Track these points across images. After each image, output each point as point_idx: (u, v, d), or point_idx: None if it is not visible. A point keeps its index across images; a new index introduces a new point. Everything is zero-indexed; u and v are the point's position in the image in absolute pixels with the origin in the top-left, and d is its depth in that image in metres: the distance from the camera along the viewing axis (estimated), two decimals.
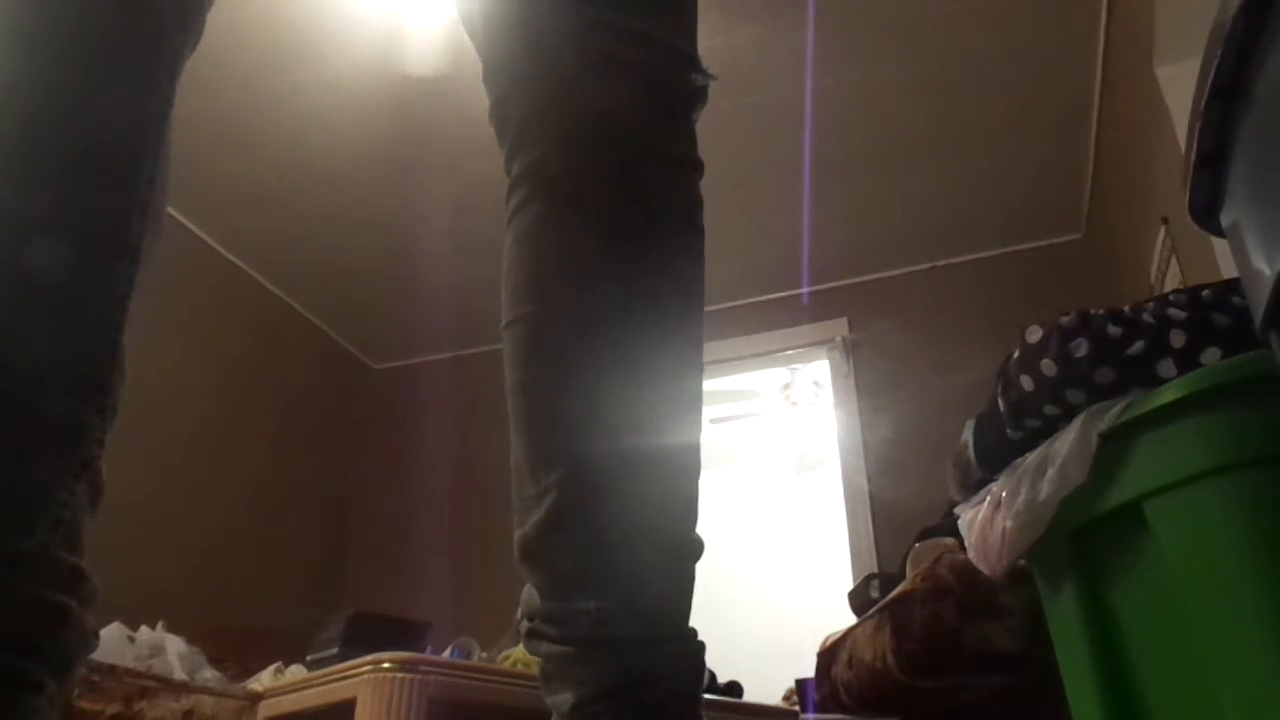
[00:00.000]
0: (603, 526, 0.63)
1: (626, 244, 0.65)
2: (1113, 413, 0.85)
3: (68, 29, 0.56)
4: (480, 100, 0.73)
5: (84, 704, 1.70)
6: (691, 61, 0.70)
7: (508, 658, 2.07)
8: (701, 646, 0.67)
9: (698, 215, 0.70)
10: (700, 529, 0.69)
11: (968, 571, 1.24)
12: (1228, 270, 1.63)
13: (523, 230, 0.67)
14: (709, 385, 4.63)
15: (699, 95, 0.70)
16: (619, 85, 0.66)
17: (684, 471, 0.67)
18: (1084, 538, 0.92)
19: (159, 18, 0.61)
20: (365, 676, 1.51)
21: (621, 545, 0.63)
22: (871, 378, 3.64)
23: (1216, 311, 0.87)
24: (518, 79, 0.68)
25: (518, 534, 0.66)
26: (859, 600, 1.95)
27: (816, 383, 4.73)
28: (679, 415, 0.67)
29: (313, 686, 1.89)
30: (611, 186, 0.66)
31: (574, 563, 0.63)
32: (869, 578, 2.02)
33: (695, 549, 0.68)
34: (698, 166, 0.71)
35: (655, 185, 0.67)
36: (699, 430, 0.69)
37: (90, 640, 0.56)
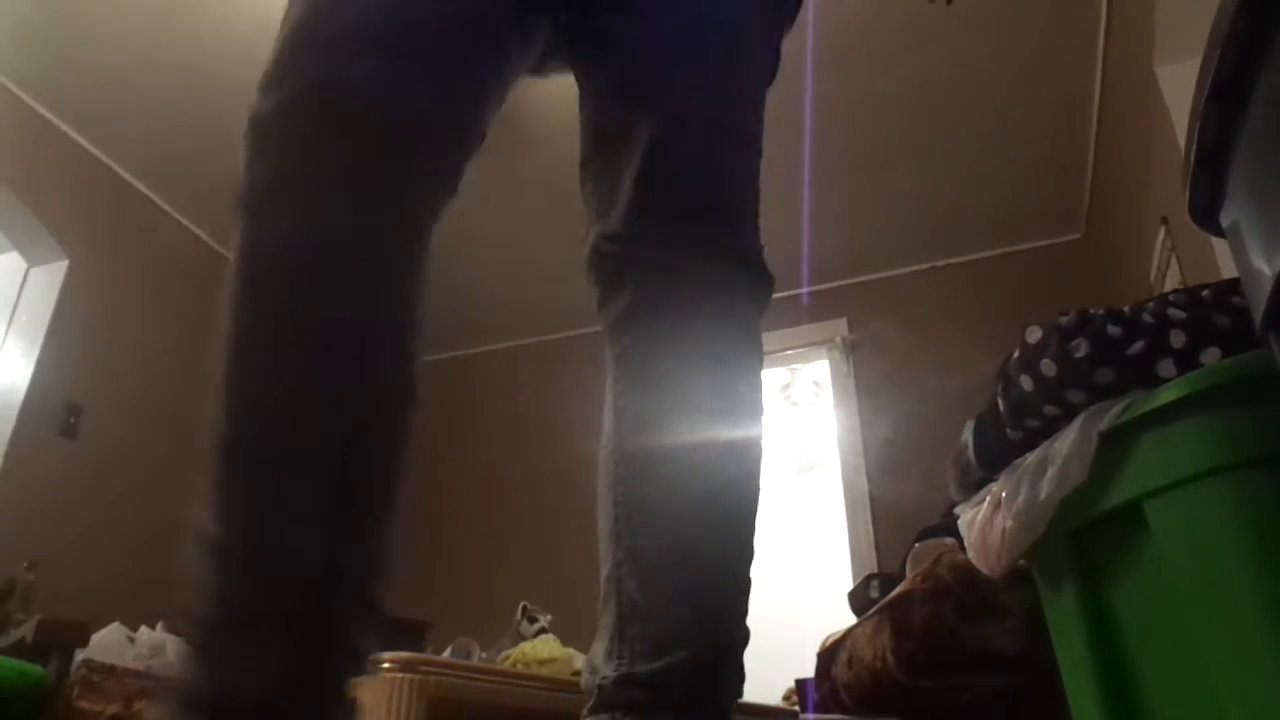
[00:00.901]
0: (629, 605, 0.71)
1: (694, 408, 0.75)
2: (1113, 413, 0.85)
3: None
4: None
5: (84, 704, 1.70)
6: (754, 260, 0.78)
7: (507, 658, 2.07)
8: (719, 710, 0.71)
9: (759, 418, 0.78)
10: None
11: (968, 571, 1.24)
12: (1228, 270, 1.62)
13: (613, 376, 0.79)
14: None
15: (764, 289, 0.79)
16: (700, 303, 0.75)
17: (725, 576, 0.74)
18: (1084, 538, 0.92)
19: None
20: (365, 676, 1.50)
21: (645, 623, 0.71)
22: (871, 378, 3.64)
23: (1216, 311, 0.87)
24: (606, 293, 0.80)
25: None
26: (859, 600, 1.95)
27: (816, 383, 4.73)
28: (733, 537, 0.75)
29: None
30: (693, 385, 0.76)
31: (607, 642, 0.72)
32: (869, 578, 2.02)
33: (731, 639, 0.73)
34: (760, 359, 0.79)
35: (725, 380, 0.76)
36: (751, 548, 0.76)
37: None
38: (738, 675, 0.74)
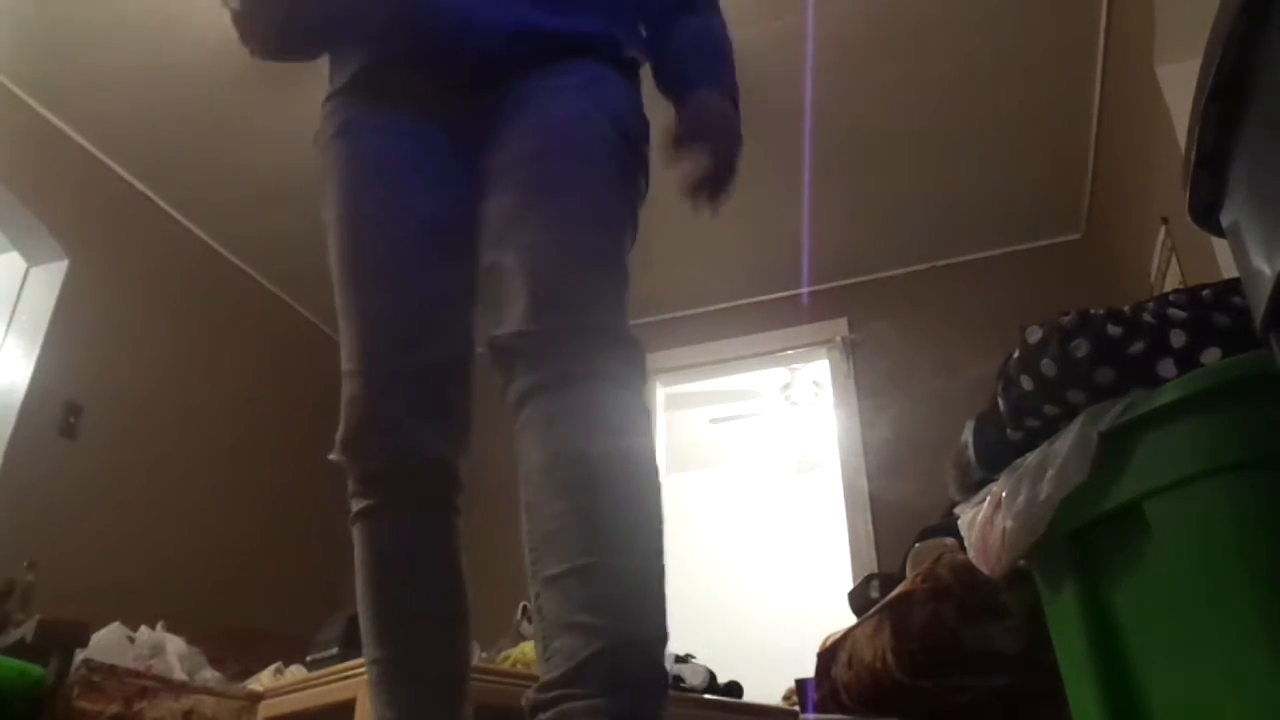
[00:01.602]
0: (546, 623, 0.85)
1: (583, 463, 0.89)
2: (1113, 413, 0.85)
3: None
4: None
5: (84, 704, 1.70)
6: (616, 335, 0.95)
7: (507, 658, 2.07)
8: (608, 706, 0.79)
9: (647, 433, 0.93)
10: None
11: (968, 571, 1.24)
12: (1228, 270, 1.62)
13: (519, 438, 0.96)
14: (710, 385, 4.64)
15: (632, 354, 0.95)
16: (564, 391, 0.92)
17: (626, 573, 0.84)
18: (1084, 538, 0.92)
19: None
20: (365, 677, 1.50)
21: (562, 636, 0.82)
22: (871, 378, 3.64)
23: (1216, 311, 0.87)
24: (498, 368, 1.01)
25: None
26: (859, 600, 1.95)
27: (816, 383, 4.73)
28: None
29: (313, 686, 1.89)
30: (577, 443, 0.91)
31: (539, 662, 0.85)
32: (869, 578, 2.02)
33: (640, 632, 0.82)
34: (640, 396, 0.96)
35: (613, 401, 0.93)
36: (656, 538, 0.88)
37: None
38: (654, 667, 0.82)
